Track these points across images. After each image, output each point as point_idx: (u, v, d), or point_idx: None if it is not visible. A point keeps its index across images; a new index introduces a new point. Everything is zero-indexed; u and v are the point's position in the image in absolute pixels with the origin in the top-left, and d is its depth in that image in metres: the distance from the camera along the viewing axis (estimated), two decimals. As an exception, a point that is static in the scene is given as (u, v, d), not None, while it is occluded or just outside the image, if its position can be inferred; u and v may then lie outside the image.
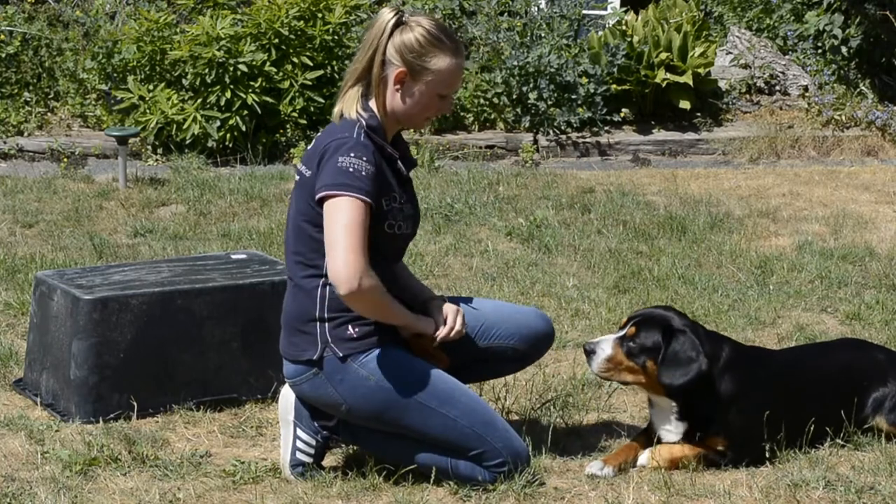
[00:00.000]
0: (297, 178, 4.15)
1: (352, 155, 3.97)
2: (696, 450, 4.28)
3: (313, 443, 4.21)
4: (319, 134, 4.18)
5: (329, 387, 4.08)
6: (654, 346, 4.27)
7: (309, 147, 4.19)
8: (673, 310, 4.43)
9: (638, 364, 4.28)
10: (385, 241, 4.07)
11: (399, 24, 4.08)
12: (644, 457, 4.27)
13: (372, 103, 4.12)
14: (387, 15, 4.09)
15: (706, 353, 4.25)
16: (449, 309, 4.22)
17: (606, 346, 4.31)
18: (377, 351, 4.06)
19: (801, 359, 4.68)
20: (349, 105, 4.10)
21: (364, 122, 4.07)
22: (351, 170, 3.94)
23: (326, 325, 4.06)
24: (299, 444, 4.21)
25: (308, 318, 4.08)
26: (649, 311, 4.40)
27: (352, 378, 4.05)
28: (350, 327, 4.05)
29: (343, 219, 3.92)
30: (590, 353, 4.31)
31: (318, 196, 3.98)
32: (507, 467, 4.09)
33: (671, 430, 4.35)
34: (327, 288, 4.05)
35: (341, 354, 4.05)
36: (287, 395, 4.25)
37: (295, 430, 4.21)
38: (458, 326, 4.20)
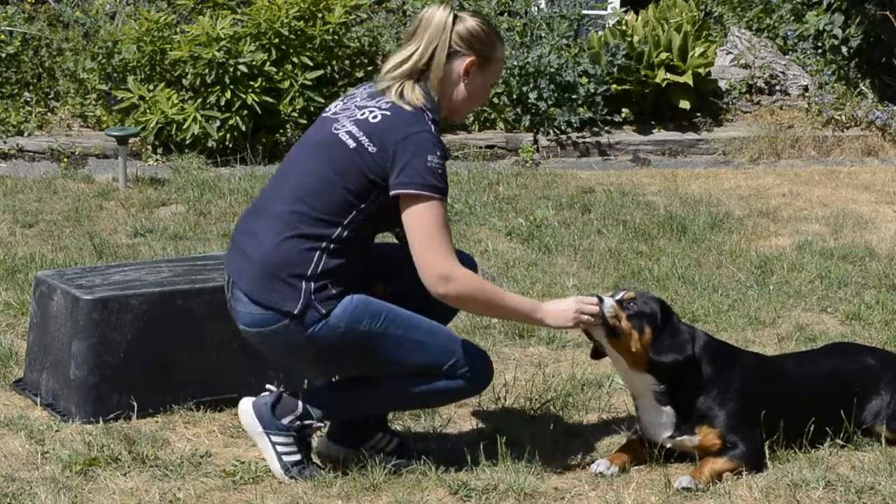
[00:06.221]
0: (347, 139, 4.12)
1: (437, 154, 4.07)
2: (730, 464, 4.22)
3: (291, 440, 4.20)
4: (385, 111, 4.13)
5: (299, 336, 4.10)
6: (652, 314, 4.26)
7: (365, 112, 4.15)
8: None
9: (635, 327, 4.24)
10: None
11: (455, 17, 4.20)
12: (686, 479, 4.14)
13: (433, 94, 4.20)
14: (441, 11, 4.19)
15: (692, 338, 4.31)
16: None
17: (609, 300, 4.26)
18: (343, 299, 4.11)
19: (785, 359, 4.70)
20: (410, 92, 4.15)
21: (430, 116, 4.14)
22: (440, 172, 4.07)
23: (313, 284, 4.08)
24: (279, 448, 4.19)
25: (296, 272, 4.08)
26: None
27: (322, 327, 4.09)
28: (331, 286, 4.10)
29: (437, 221, 4.05)
30: (600, 298, 4.24)
31: (407, 192, 4.04)
32: (477, 368, 4.19)
33: (661, 423, 4.29)
34: (328, 254, 4.09)
35: (324, 311, 4.08)
36: (247, 411, 4.23)
37: (269, 438, 4.20)
38: None
